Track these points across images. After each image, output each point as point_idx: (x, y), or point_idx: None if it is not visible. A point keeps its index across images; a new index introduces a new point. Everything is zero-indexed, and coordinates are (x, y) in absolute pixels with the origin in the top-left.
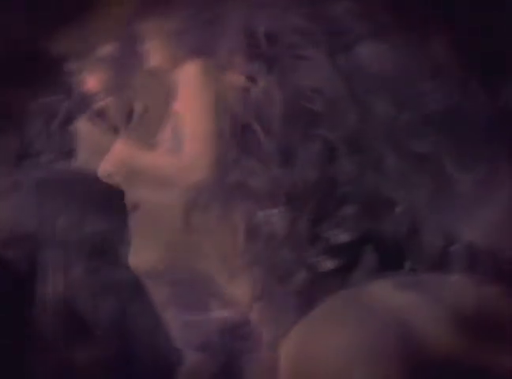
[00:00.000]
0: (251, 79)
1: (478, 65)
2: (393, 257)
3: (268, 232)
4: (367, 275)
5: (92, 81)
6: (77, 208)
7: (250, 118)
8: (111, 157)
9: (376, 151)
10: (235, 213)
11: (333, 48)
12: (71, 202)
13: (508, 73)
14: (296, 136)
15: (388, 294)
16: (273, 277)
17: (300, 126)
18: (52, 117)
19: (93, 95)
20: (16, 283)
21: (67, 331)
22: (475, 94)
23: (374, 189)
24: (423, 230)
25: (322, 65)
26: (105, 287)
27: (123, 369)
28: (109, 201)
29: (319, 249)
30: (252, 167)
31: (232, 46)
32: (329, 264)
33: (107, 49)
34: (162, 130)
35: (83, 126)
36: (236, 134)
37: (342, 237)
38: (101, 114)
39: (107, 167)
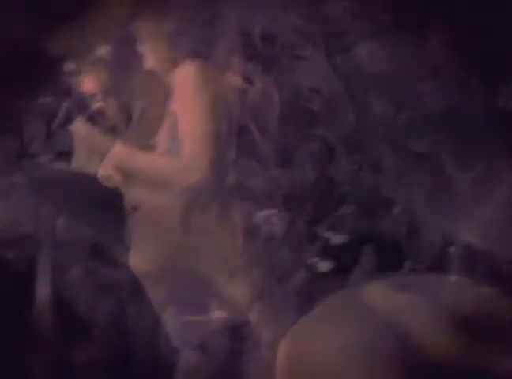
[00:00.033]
0: (249, 80)
1: (477, 65)
2: (392, 258)
3: (267, 232)
4: (366, 276)
5: (90, 82)
6: (77, 209)
7: (248, 119)
8: (110, 159)
9: (374, 151)
10: (233, 214)
11: (331, 48)
12: (70, 203)
13: (508, 73)
14: (294, 137)
15: (386, 295)
16: (272, 277)
17: (298, 127)
18: (51, 117)
19: (92, 96)
20: (16, 282)
21: (66, 330)
22: (474, 94)
23: (372, 189)
24: (423, 230)
25: (320, 66)
26: (104, 287)
27: (122, 368)
28: (108, 202)
29: (318, 249)
30: (250, 168)
31: (229, 47)
32: (328, 264)
33: (105, 49)
34: (160, 131)
35: (81, 127)
36: (234, 135)
37: (341, 237)
38: (100, 115)
39: (106, 169)
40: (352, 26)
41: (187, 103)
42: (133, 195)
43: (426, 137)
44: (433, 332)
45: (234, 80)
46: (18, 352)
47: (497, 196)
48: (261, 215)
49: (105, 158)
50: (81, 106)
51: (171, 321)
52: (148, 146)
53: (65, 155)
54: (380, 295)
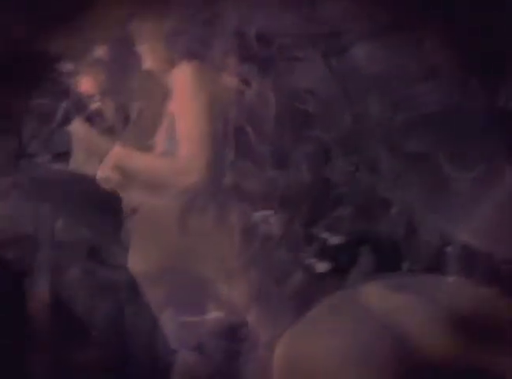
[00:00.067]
0: (245, 81)
1: (477, 65)
2: (390, 258)
3: (264, 233)
4: (364, 276)
5: (88, 82)
6: (75, 210)
7: (245, 120)
8: (108, 161)
9: (371, 152)
10: (231, 215)
11: (328, 49)
12: (69, 203)
13: (507, 73)
14: (291, 138)
15: (384, 296)
16: (270, 278)
17: (294, 128)
18: (49, 117)
19: (90, 97)
20: (16, 282)
21: (64, 331)
22: (473, 94)
23: (369, 190)
24: (420, 230)
25: (317, 67)
26: (102, 287)
27: (119, 369)
28: (106, 204)
29: (316, 250)
30: (247, 169)
31: (226, 48)
32: (325, 265)
33: (103, 50)
34: (158, 132)
35: (79, 127)
36: (231, 136)
37: (338, 238)
38: (98, 115)
39: (105, 171)
40: (350, 27)
41: (184, 104)
42: (132, 197)
43: (424, 138)
44: (430, 333)
45: (231, 81)
46: (17, 352)
47: (495, 196)
48: (258, 216)
49: (104, 159)
50: (79, 106)
51: (169, 322)
52: (146, 147)
53: (64, 155)
54: (377, 296)
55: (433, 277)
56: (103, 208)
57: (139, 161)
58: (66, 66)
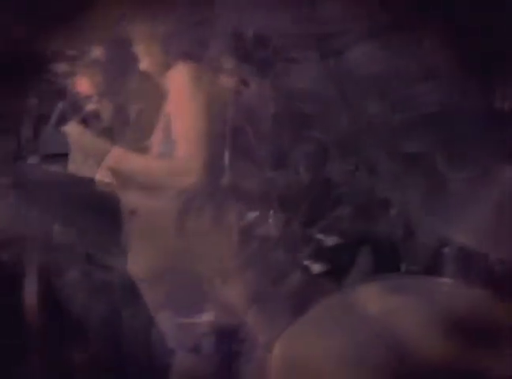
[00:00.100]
0: (243, 81)
1: (474, 65)
2: (388, 259)
3: (262, 234)
4: (362, 277)
5: (85, 83)
6: (73, 212)
7: (242, 121)
8: (107, 163)
9: (370, 153)
10: (228, 215)
11: (326, 51)
12: (67, 205)
13: (505, 74)
14: (289, 139)
15: (380, 297)
16: (268, 279)
17: (293, 128)
18: (46, 118)
19: (87, 98)
20: (10, 284)
21: (62, 331)
22: (470, 95)
23: (368, 191)
24: (418, 231)
25: (314, 68)
26: (100, 289)
27: (117, 369)
28: (105, 206)
29: (314, 250)
30: (245, 170)
31: (223, 49)
32: (323, 265)
33: (100, 51)
34: (155, 133)
35: (74, 128)
36: (229, 136)
37: (333, 239)
38: (94, 117)
39: (103, 174)
40: (348, 27)
41: (181, 105)
42: (129, 198)
43: (422, 138)
44: (427, 335)
45: (228, 81)
46: (12, 353)
47: (491, 196)
48: (256, 216)
49: (101, 161)
50: (75, 107)
51: (166, 323)
52: (142, 148)
53: (61, 157)
54: (373, 298)
55: (429, 278)
56: (102, 210)
57: (136, 162)
58: (64, 67)
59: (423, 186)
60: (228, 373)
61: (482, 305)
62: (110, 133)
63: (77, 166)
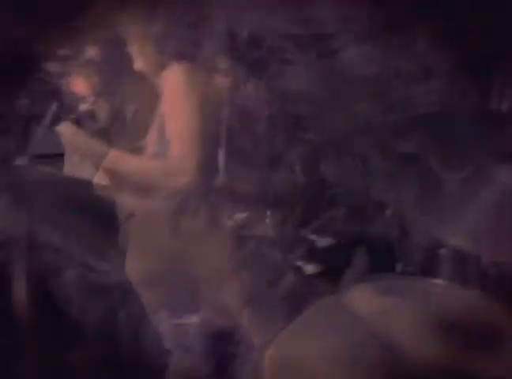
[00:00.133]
0: (237, 82)
1: (470, 66)
2: (384, 260)
3: (257, 234)
4: (357, 278)
5: (80, 84)
6: (69, 214)
7: (236, 121)
8: (103, 165)
9: (364, 153)
10: (222, 216)
11: (320, 52)
12: (64, 207)
13: (501, 75)
14: (283, 139)
15: (374, 298)
16: (262, 280)
17: (287, 129)
18: (39, 118)
19: (81, 98)
20: (7, 284)
21: (59, 332)
22: (466, 95)
23: (362, 191)
24: (412, 232)
25: (309, 69)
26: (97, 291)
27: (113, 369)
28: (102, 208)
29: (308, 251)
30: (239, 170)
31: (217, 49)
32: (318, 266)
33: (94, 51)
34: (150, 133)
35: (66, 129)
36: (222, 137)
37: (326, 240)
38: (89, 117)
39: (100, 177)
40: (343, 28)
41: (176, 105)
42: (125, 201)
43: (417, 139)
44: (421, 335)
45: (222, 82)
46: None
47: (485, 198)
48: (251, 217)
49: (96, 161)
50: (69, 108)
51: (162, 324)
52: (137, 148)
53: (52, 157)
54: (368, 298)
55: (424, 279)
56: (98, 212)
57: (131, 163)
58: (57, 66)
59: (417, 187)
60: (224, 375)
61: (477, 307)
62: (105, 134)
63: (72, 167)
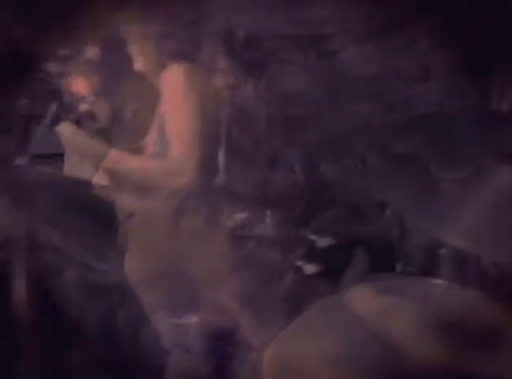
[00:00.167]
0: (236, 82)
1: (470, 66)
2: (384, 260)
3: (256, 235)
4: (357, 278)
5: (79, 84)
6: (68, 214)
7: (236, 121)
8: (103, 165)
9: (363, 153)
10: (223, 216)
11: (320, 52)
12: (64, 207)
13: (507, 74)
14: (283, 140)
15: (374, 298)
16: (262, 280)
17: (287, 130)
18: (39, 118)
19: (81, 98)
20: (7, 284)
21: (59, 332)
22: (466, 95)
23: (362, 192)
24: (412, 232)
25: (308, 69)
26: (96, 291)
27: (111, 369)
28: (101, 209)
29: (308, 251)
30: (239, 170)
31: (217, 49)
32: (313, 267)
33: (94, 51)
34: (150, 133)
35: (66, 128)
36: (222, 137)
37: (326, 240)
38: (90, 117)
39: (100, 177)
40: (345, 28)
41: (176, 105)
42: (125, 201)
43: (416, 139)
44: (421, 335)
45: (221, 81)
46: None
47: (483, 198)
48: (250, 217)
49: (96, 161)
50: (69, 108)
51: (162, 324)
52: (137, 148)
53: (52, 157)
54: (368, 298)
55: (424, 279)
56: (98, 212)
57: (130, 163)
58: (57, 66)
59: (417, 187)
60: (223, 375)
61: (476, 307)
62: (105, 134)
63: (72, 167)
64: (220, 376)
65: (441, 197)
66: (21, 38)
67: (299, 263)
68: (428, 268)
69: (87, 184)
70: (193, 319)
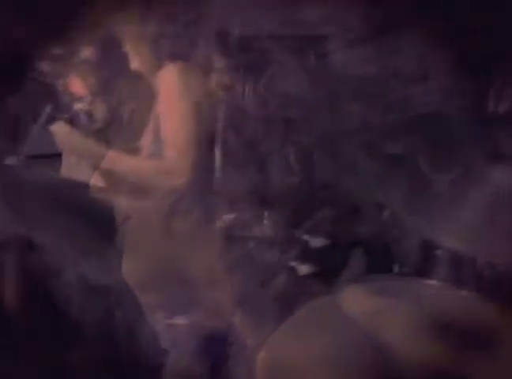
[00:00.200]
0: (230, 83)
1: (467, 67)
2: (381, 261)
3: (250, 236)
4: (352, 279)
5: (75, 84)
6: (65, 215)
7: (231, 122)
8: (101, 167)
9: (358, 155)
10: (217, 217)
11: (317, 52)
12: (60, 208)
13: (507, 74)
14: (277, 140)
15: (367, 299)
16: (256, 281)
17: (281, 130)
18: (35, 118)
19: (78, 98)
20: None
21: (58, 332)
22: (463, 95)
23: (357, 192)
24: (407, 233)
25: (306, 70)
26: (94, 290)
27: (110, 368)
28: (99, 210)
29: (302, 252)
30: (231, 171)
31: (212, 50)
32: (307, 267)
33: (90, 51)
34: (146, 133)
35: (61, 128)
36: (218, 137)
37: (320, 240)
38: (88, 117)
39: (97, 179)
40: (340, 29)
41: (171, 105)
42: (122, 202)
43: (410, 140)
44: (414, 336)
45: (217, 82)
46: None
47: (477, 199)
48: (242, 218)
49: (93, 162)
50: (65, 108)
51: (158, 324)
52: (134, 148)
53: (53, 158)
54: (361, 299)
55: (418, 280)
56: (95, 213)
57: (126, 163)
58: (56, 67)
59: (412, 188)
60: (219, 376)
61: (472, 308)
62: (102, 134)
63: (69, 168)
64: (216, 376)
65: (437, 197)
66: (20, 38)
67: (293, 263)
68: (424, 270)
69: (84, 185)
70: (186, 319)
